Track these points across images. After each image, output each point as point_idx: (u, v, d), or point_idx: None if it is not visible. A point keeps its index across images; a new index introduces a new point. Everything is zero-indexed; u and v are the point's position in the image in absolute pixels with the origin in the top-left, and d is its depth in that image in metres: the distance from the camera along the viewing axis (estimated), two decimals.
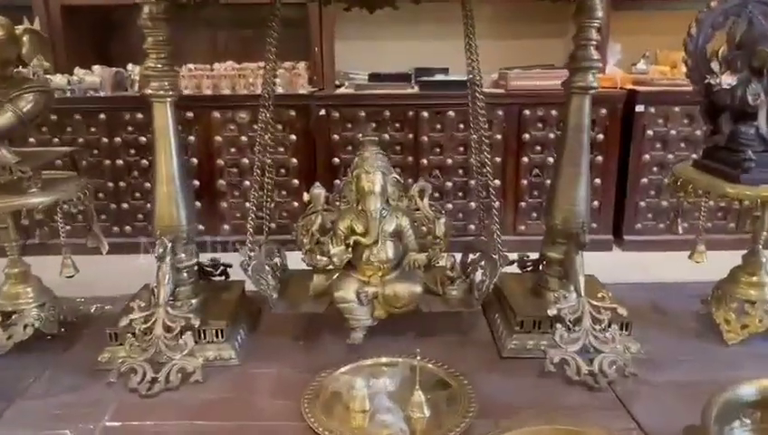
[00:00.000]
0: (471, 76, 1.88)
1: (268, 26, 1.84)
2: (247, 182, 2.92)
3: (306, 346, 1.95)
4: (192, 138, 2.99)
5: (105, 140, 2.99)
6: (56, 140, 2.96)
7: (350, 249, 1.87)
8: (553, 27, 3.32)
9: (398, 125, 3.01)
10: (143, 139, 2.95)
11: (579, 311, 1.76)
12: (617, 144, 3.01)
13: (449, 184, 3.05)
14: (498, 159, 3.01)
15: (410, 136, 3.01)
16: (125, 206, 3.06)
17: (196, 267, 1.98)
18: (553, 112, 2.95)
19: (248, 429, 1.55)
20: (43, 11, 3.02)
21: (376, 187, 1.84)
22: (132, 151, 3.01)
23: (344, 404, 1.56)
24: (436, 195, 3.00)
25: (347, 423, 1.51)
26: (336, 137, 3.01)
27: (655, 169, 3.04)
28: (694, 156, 2.16)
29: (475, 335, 2.01)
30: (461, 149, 3.00)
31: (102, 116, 2.96)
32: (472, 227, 3.02)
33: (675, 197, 2.05)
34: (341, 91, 3.17)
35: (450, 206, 3.05)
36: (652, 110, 2.97)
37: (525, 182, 3.07)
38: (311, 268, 1.97)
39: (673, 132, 2.99)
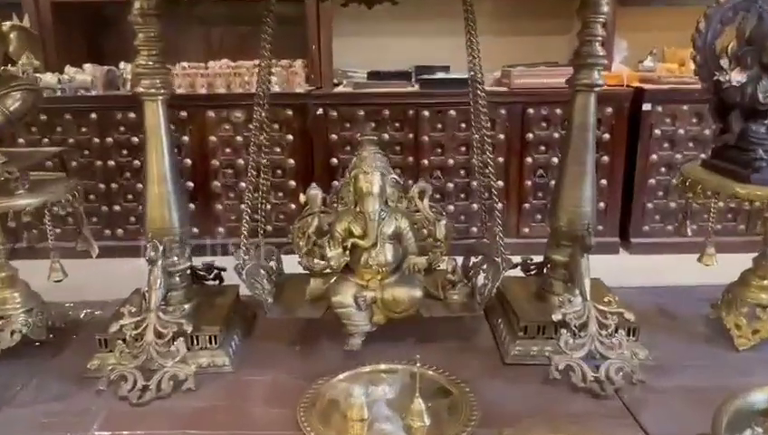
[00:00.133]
0: (472, 74, 1.87)
1: (263, 23, 1.83)
2: (243, 184, 2.91)
3: (302, 353, 1.94)
4: (186, 138, 2.99)
5: (96, 140, 2.98)
6: (46, 140, 2.96)
7: (347, 252, 1.86)
8: (558, 23, 3.31)
9: (397, 125, 3.00)
10: (135, 139, 2.95)
11: (584, 316, 1.75)
12: (623, 144, 3.01)
13: (451, 185, 3.04)
14: (501, 160, 3.00)
15: (410, 136, 3.00)
16: (117, 208, 3.05)
17: (188, 271, 1.97)
18: (558, 111, 2.95)
19: None
20: (33, 7, 3.01)
21: (374, 187, 1.83)
22: (124, 152, 3.00)
23: (342, 412, 1.55)
24: (438, 196, 2.99)
25: (344, 432, 1.49)
26: (334, 137, 3.00)
27: (662, 169, 3.03)
28: (703, 156, 2.16)
29: (477, 341, 2.00)
30: (463, 149, 2.99)
31: (93, 116, 2.96)
32: (474, 229, 3.01)
33: (683, 198, 2.04)
34: (340, 89, 3.16)
35: (452, 207, 3.04)
36: (660, 108, 2.96)
37: (529, 183, 3.06)
38: (307, 272, 1.97)
39: (681, 131, 2.99)
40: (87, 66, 3.04)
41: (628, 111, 2.97)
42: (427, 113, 2.98)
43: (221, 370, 1.82)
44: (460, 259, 2.04)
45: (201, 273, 2.12)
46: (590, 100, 1.86)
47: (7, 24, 1.82)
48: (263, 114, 1.92)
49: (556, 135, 2.98)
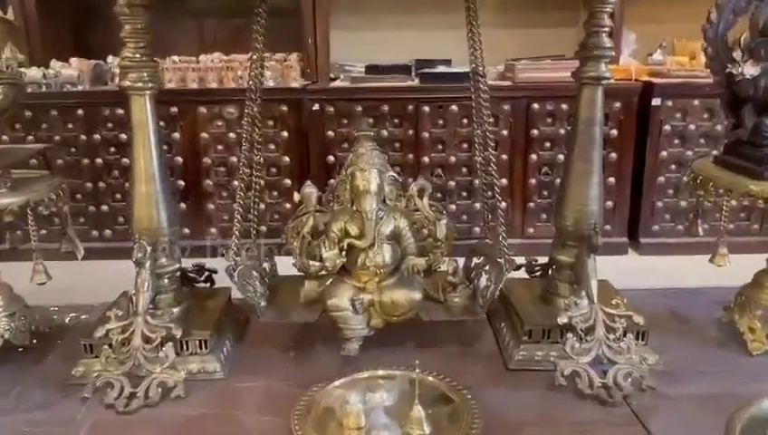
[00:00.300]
0: (474, 67, 1.87)
1: (255, 14, 1.82)
2: (236, 182, 2.90)
3: (297, 358, 1.93)
4: (177, 134, 2.98)
5: (83, 137, 2.97)
6: (31, 137, 2.94)
7: (343, 253, 1.86)
8: (564, 15, 3.30)
9: (397, 120, 2.99)
10: (124, 136, 2.93)
11: (591, 319, 1.74)
12: (632, 140, 2.99)
13: (452, 183, 3.03)
14: (505, 157, 2.99)
15: (410, 132, 2.99)
16: (104, 208, 3.04)
17: (178, 273, 1.97)
18: (564, 106, 2.94)
19: None
20: None
21: (371, 185, 1.82)
22: (112, 149, 2.99)
23: (338, 421, 1.55)
24: (439, 195, 2.98)
25: None
26: (331, 133, 2.99)
27: (673, 166, 3.02)
28: (714, 152, 2.16)
29: (479, 346, 2.00)
30: (465, 145, 2.98)
31: (80, 112, 2.94)
32: (477, 229, 3.00)
33: (694, 196, 2.04)
34: (337, 84, 3.15)
35: (453, 206, 3.03)
36: (669, 103, 2.95)
37: (534, 181, 3.05)
38: (302, 274, 1.96)
39: (692, 127, 2.98)
40: (73, 60, 3.03)
41: (636, 105, 2.96)
42: (427, 109, 2.97)
43: (212, 376, 1.82)
44: (461, 260, 2.04)
45: (191, 275, 2.12)
46: (596, 94, 1.86)
47: None
48: (255, 109, 1.91)
49: (562, 131, 2.97)
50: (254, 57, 1.88)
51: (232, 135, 2.97)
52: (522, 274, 2.14)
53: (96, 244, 2.97)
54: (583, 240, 1.85)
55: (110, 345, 1.73)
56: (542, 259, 2.13)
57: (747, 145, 1.88)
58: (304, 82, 3.08)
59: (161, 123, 2.82)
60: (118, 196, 3.03)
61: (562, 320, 1.75)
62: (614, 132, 2.96)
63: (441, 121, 2.99)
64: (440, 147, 3.01)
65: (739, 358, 1.91)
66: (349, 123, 2.98)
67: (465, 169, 3.03)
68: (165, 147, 2.84)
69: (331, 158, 3.00)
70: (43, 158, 2.14)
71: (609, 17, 1.81)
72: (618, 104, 2.94)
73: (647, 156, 3.01)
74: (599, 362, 1.72)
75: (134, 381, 1.69)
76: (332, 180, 2.25)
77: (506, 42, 3.14)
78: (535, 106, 2.97)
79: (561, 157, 2.94)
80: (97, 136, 2.97)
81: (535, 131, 2.99)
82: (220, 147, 3.00)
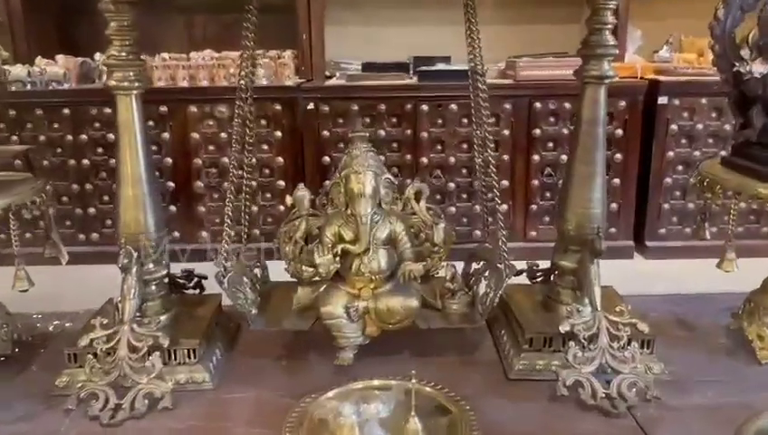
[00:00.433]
0: (473, 65, 1.86)
1: (246, 10, 1.82)
2: (227, 184, 2.90)
3: (289, 368, 1.93)
4: (166, 135, 2.97)
5: (69, 137, 2.96)
6: (15, 137, 2.93)
7: (337, 259, 1.85)
8: (566, 12, 3.30)
9: (394, 120, 2.99)
10: (112, 136, 2.91)
11: (594, 327, 1.74)
12: (637, 140, 2.99)
13: (452, 185, 3.02)
14: (506, 157, 2.99)
15: (408, 132, 2.98)
16: (91, 211, 3.03)
17: (166, 279, 1.96)
18: (567, 105, 2.93)
19: None
20: None
21: (366, 188, 1.82)
22: (99, 150, 2.98)
23: (331, 433, 1.54)
24: (438, 197, 2.98)
25: None
26: (326, 133, 2.98)
27: (680, 167, 3.01)
28: (722, 153, 2.15)
29: (479, 355, 1.99)
30: (464, 146, 2.97)
31: (66, 111, 2.93)
32: (478, 232, 3.00)
33: (702, 198, 2.04)
34: (332, 82, 3.15)
35: (453, 209, 3.03)
36: (676, 102, 2.95)
37: (536, 183, 3.04)
38: (294, 280, 1.95)
39: (699, 127, 2.97)
40: (59, 57, 3.02)
41: (642, 104, 2.96)
42: (426, 107, 2.96)
43: (200, 387, 1.81)
44: (460, 265, 2.03)
45: (180, 281, 2.11)
46: (599, 93, 1.86)
47: None
48: (246, 109, 1.91)
49: (565, 131, 2.96)
50: (245, 55, 1.88)
51: (223, 135, 2.96)
52: (523, 279, 2.13)
53: (83, 248, 2.97)
54: (586, 245, 1.85)
55: (95, 355, 1.72)
56: (544, 264, 2.12)
57: (756, 146, 1.88)
58: (299, 81, 3.08)
59: (150, 123, 2.83)
60: (105, 198, 3.02)
61: (565, 328, 1.74)
62: (619, 132, 2.96)
63: (440, 121, 2.98)
64: (439, 147, 3.01)
65: (747, 367, 1.91)
66: (345, 123, 2.97)
67: (464, 171, 3.02)
68: (154, 147, 2.84)
69: (327, 158, 2.99)
70: (25, 159, 2.13)
71: (613, 14, 1.80)
72: (623, 103, 2.93)
73: (653, 156, 3.01)
74: (602, 371, 1.71)
75: (120, 392, 1.68)
76: (327, 182, 2.23)
77: (507, 38, 3.13)
78: (537, 105, 2.96)
79: (564, 157, 2.93)
80: (84, 136, 2.96)
81: (537, 131, 2.98)
82: (211, 147, 2.99)
